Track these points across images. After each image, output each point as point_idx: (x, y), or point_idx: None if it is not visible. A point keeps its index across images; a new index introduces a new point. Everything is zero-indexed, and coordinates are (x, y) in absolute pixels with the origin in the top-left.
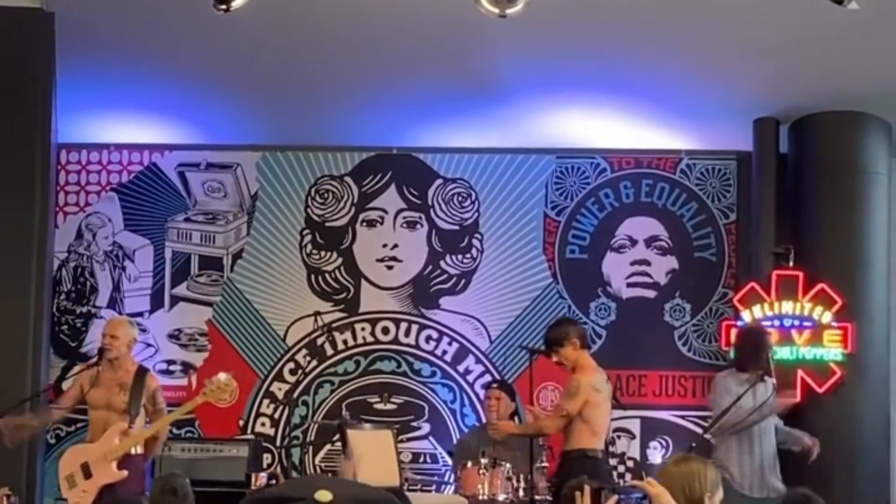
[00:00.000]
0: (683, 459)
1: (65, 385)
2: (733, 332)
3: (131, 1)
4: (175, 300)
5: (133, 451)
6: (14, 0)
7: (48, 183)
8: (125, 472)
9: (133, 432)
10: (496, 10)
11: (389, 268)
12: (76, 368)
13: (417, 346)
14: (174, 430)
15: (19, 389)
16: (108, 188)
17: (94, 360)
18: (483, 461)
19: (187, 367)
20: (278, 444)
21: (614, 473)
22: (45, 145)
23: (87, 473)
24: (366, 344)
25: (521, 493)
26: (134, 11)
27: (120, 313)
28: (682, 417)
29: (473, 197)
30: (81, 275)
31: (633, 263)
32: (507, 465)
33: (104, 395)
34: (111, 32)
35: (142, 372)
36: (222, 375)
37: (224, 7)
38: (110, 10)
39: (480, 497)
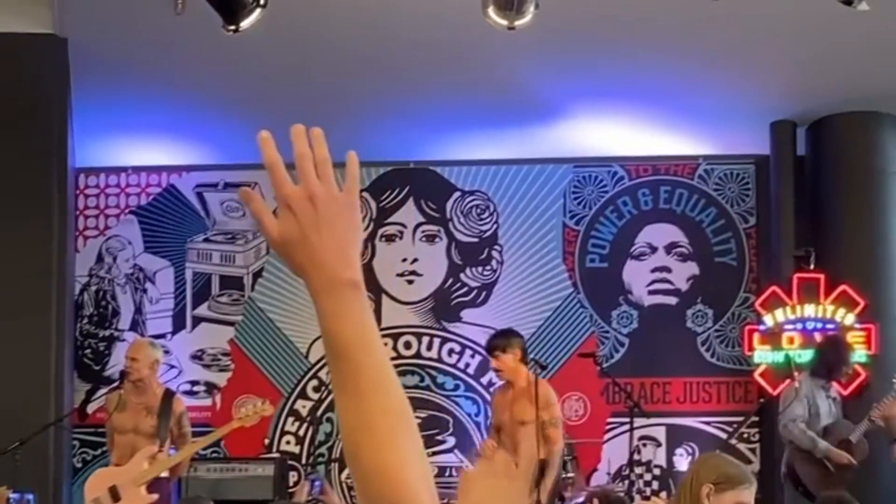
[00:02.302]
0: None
1: (90, 409)
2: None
3: (143, 24)
4: (197, 321)
5: (161, 475)
6: (27, 26)
7: (66, 206)
8: (155, 496)
9: (162, 457)
10: (505, 23)
11: (410, 282)
12: (100, 393)
13: (440, 360)
14: (200, 451)
15: (43, 414)
16: (127, 211)
17: (117, 383)
18: None
19: (211, 388)
20: (304, 461)
21: (640, 482)
22: (61, 169)
23: (116, 497)
24: (391, 359)
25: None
26: (146, 34)
27: (142, 335)
28: (708, 423)
29: (492, 209)
30: (103, 298)
31: (653, 270)
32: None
33: (131, 419)
34: (124, 56)
35: (168, 395)
36: (258, 402)
37: (233, 28)
38: (123, 34)
39: None
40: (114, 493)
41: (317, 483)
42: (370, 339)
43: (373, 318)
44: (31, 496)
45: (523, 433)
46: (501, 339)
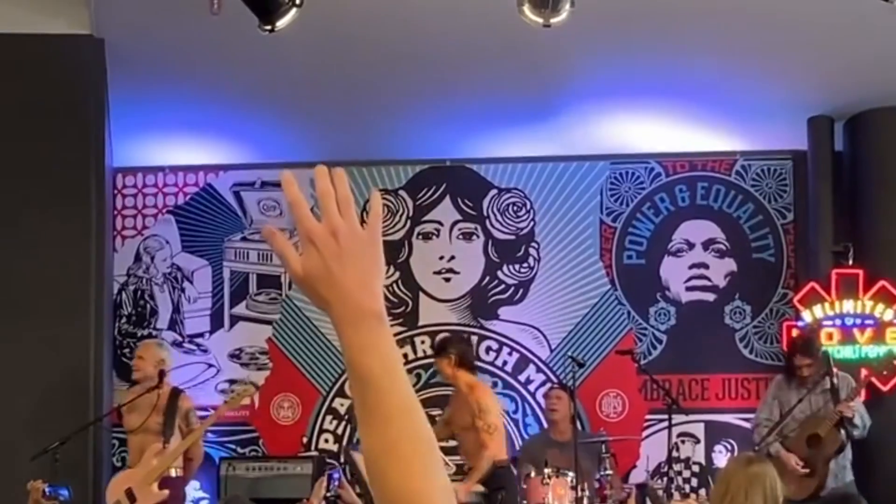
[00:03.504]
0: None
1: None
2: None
3: (179, 24)
4: (235, 320)
5: (173, 474)
6: (64, 27)
7: (104, 206)
8: (167, 492)
9: (168, 452)
10: (540, 20)
11: (447, 280)
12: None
13: (478, 357)
14: (238, 450)
15: (82, 414)
16: (164, 210)
17: (155, 383)
18: (546, 471)
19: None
20: (342, 459)
21: (679, 479)
22: (99, 169)
23: (132, 498)
24: (426, 357)
25: (585, 501)
26: (182, 34)
27: (180, 335)
28: (747, 420)
29: (528, 206)
30: (141, 298)
31: (691, 267)
32: (571, 474)
33: (140, 419)
34: (161, 56)
35: (175, 393)
36: (239, 386)
37: (269, 28)
38: (159, 34)
39: None
40: (130, 494)
41: (335, 477)
42: (395, 368)
43: (396, 347)
44: (65, 490)
45: (461, 439)
46: (437, 346)
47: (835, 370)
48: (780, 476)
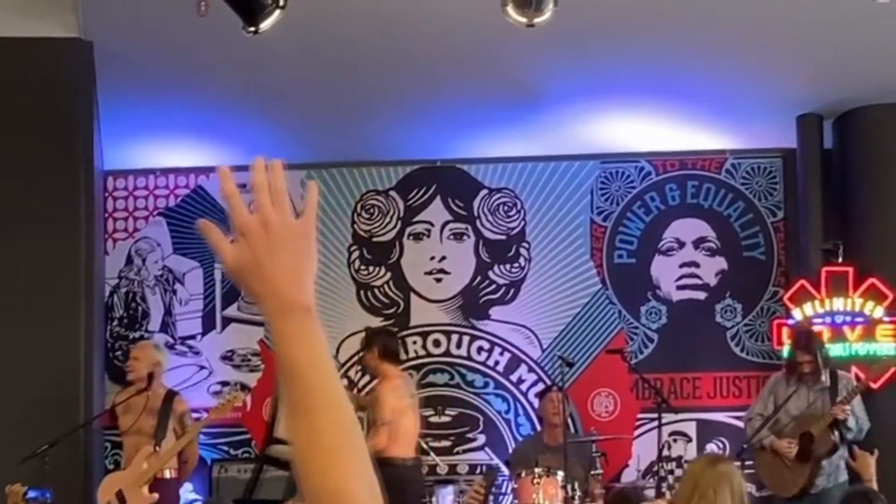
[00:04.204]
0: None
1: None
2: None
3: (167, 26)
4: (227, 321)
5: (167, 475)
6: (52, 31)
7: (93, 209)
8: (156, 496)
9: (160, 454)
10: (524, 20)
11: (438, 280)
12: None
13: (469, 358)
14: (230, 452)
15: (73, 416)
16: (155, 213)
17: (144, 386)
18: (537, 470)
19: (241, 389)
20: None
21: (671, 477)
22: (88, 172)
23: (122, 500)
24: (418, 357)
25: (576, 500)
26: (171, 37)
27: (172, 337)
28: (738, 418)
29: (519, 206)
30: (133, 300)
31: (682, 266)
32: (561, 474)
33: (135, 421)
34: (150, 58)
35: (170, 396)
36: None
37: (253, 29)
38: (147, 37)
39: None
40: (120, 497)
41: None
42: (322, 361)
43: (325, 340)
44: (47, 493)
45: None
46: (363, 340)
47: (837, 371)
48: (770, 469)
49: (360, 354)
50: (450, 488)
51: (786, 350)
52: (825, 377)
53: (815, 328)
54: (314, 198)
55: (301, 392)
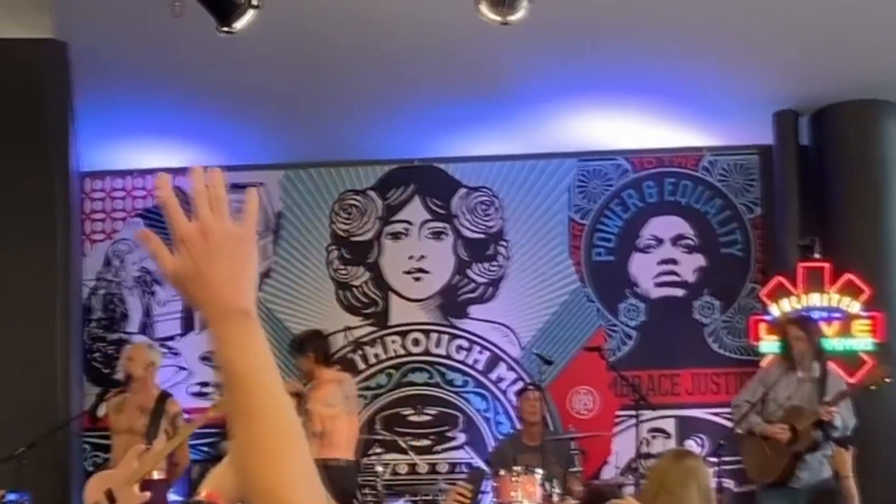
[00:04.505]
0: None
1: (100, 412)
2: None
3: (143, 27)
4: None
5: (155, 476)
6: (27, 32)
7: (70, 210)
8: (148, 495)
9: (151, 454)
10: (497, 18)
11: (417, 279)
12: (109, 396)
13: (449, 357)
14: (211, 453)
15: (51, 418)
16: (133, 214)
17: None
18: (516, 468)
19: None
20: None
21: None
22: (64, 174)
23: (112, 499)
24: (397, 357)
25: (555, 498)
26: (146, 37)
27: (151, 338)
28: (717, 414)
29: (497, 204)
30: (111, 302)
31: (660, 263)
32: (540, 472)
33: (127, 420)
34: (126, 59)
35: (163, 397)
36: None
37: (227, 29)
38: (123, 38)
39: None
40: (110, 496)
41: None
42: (261, 366)
43: (265, 345)
44: (26, 496)
45: None
46: (295, 346)
47: (828, 366)
48: (752, 454)
49: (294, 360)
50: (400, 502)
51: (778, 345)
52: (817, 368)
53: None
54: (254, 204)
55: (241, 396)
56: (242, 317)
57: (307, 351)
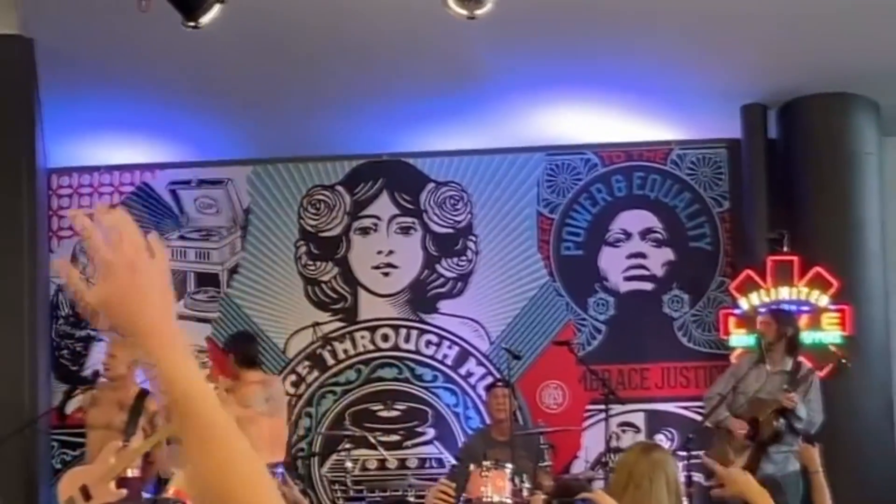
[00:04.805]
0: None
1: (68, 409)
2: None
3: (110, 22)
4: None
5: (129, 474)
6: None
7: (36, 207)
8: (124, 492)
9: (128, 451)
10: (464, 13)
11: (386, 274)
12: (77, 393)
13: (418, 352)
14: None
15: (18, 416)
16: None
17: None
18: (486, 463)
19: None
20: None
21: None
22: (30, 170)
23: (87, 496)
24: (366, 352)
25: (524, 493)
26: (112, 33)
27: (121, 335)
28: (687, 408)
29: (466, 199)
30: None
31: (629, 257)
32: (510, 467)
33: (104, 416)
34: (92, 55)
35: (142, 394)
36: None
37: (192, 24)
38: (89, 33)
39: (485, 499)
40: (85, 491)
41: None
42: (199, 392)
43: (198, 370)
44: None
45: None
46: (224, 345)
47: (801, 361)
48: (716, 448)
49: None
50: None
51: (752, 338)
52: (789, 362)
53: (759, 317)
54: (160, 246)
55: (185, 422)
56: (184, 346)
57: (228, 353)
